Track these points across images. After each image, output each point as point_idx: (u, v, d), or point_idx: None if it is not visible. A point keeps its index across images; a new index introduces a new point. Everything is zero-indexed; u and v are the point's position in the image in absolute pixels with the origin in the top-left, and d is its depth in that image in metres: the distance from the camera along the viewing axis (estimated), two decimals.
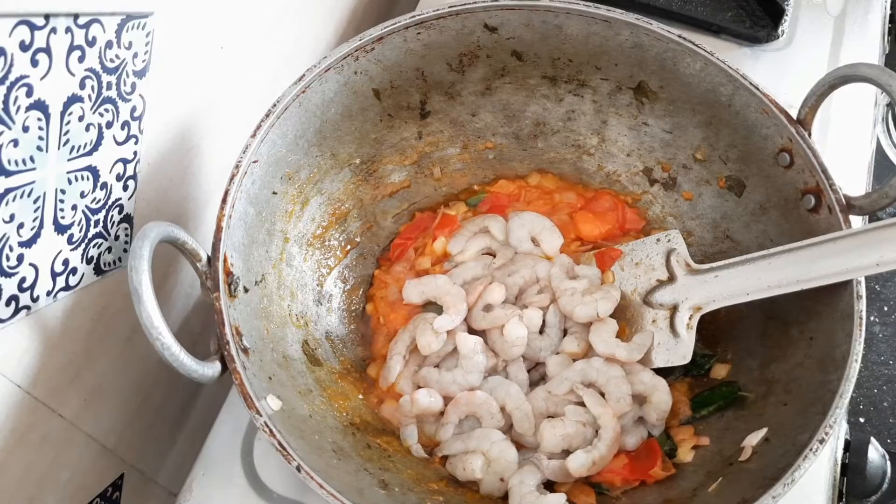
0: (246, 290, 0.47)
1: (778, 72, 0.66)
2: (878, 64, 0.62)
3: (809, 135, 0.49)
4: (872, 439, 0.54)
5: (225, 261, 0.45)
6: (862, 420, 1.01)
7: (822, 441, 0.41)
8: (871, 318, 1.09)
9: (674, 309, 0.50)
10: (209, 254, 0.45)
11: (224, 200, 0.45)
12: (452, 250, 0.57)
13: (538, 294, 0.54)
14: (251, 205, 0.49)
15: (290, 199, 0.53)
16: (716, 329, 0.54)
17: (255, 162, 0.48)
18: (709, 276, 0.50)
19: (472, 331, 0.53)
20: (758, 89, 0.50)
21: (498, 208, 0.59)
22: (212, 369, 0.42)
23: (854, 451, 0.53)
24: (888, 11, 0.74)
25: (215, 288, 0.44)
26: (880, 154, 0.98)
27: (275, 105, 0.49)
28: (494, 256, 0.56)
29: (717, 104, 0.53)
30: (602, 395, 0.50)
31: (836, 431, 0.53)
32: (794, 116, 0.50)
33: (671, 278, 0.51)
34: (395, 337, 0.53)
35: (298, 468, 0.41)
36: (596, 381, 0.50)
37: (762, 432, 0.45)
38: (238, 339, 0.44)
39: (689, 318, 0.50)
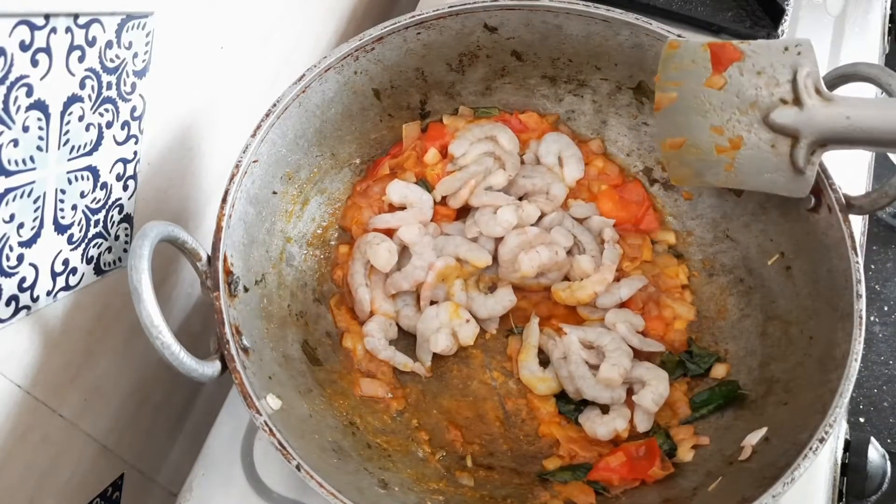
0: (246, 290, 0.47)
1: None
2: (878, 64, 0.62)
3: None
4: (872, 439, 0.54)
5: (225, 260, 0.45)
6: (862, 420, 1.01)
7: (821, 440, 0.41)
8: (871, 318, 1.09)
9: (795, 138, 0.42)
10: (209, 253, 0.45)
11: (224, 200, 0.46)
12: (455, 152, 0.55)
13: (545, 201, 0.55)
14: (251, 204, 0.49)
15: (290, 199, 0.53)
16: (716, 329, 0.54)
17: (255, 162, 0.48)
18: (843, 108, 0.41)
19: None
20: None
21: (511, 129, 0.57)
22: (211, 368, 0.42)
23: (854, 451, 0.53)
24: (888, 11, 0.74)
25: (215, 287, 0.44)
26: (880, 154, 0.98)
27: (275, 105, 0.49)
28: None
29: None
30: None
31: (836, 431, 0.52)
32: None
33: (797, 100, 0.41)
34: (348, 271, 0.54)
35: (298, 467, 0.41)
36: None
37: (762, 431, 0.45)
38: (238, 338, 0.44)
39: (813, 154, 0.42)
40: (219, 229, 0.45)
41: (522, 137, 0.57)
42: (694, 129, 0.46)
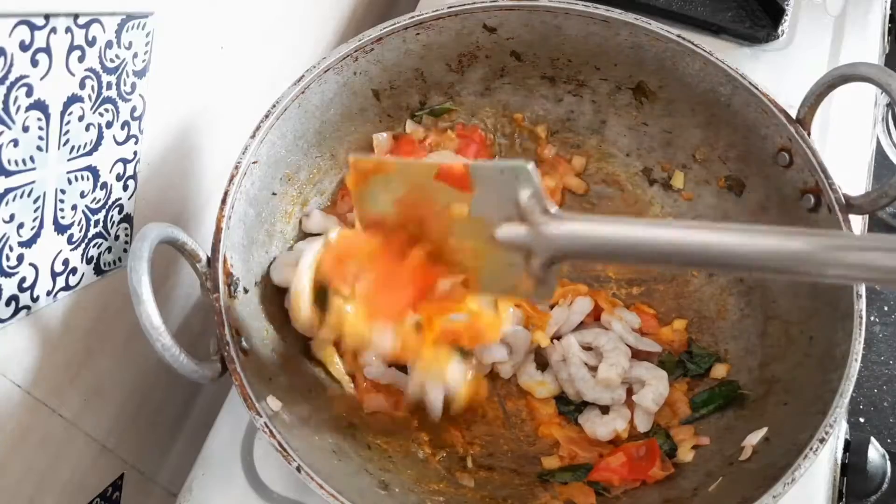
0: (246, 291, 0.47)
1: (778, 72, 0.66)
2: (878, 64, 0.62)
3: (809, 134, 0.49)
4: (872, 439, 0.54)
5: (225, 262, 0.45)
6: (862, 420, 1.01)
7: (822, 440, 0.41)
8: (871, 318, 1.09)
9: (528, 253, 0.40)
10: (209, 255, 0.45)
11: (223, 201, 0.46)
12: None
13: None
14: (251, 206, 0.49)
15: (289, 200, 0.53)
16: (716, 329, 0.54)
17: (254, 163, 0.48)
18: (572, 225, 0.39)
19: None
20: (757, 89, 0.50)
21: (465, 148, 0.57)
22: (211, 370, 0.42)
23: (854, 450, 0.53)
24: (888, 11, 0.74)
25: (215, 289, 0.44)
26: (880, 154, 0.98)
27: (274, 106, 0.49)
28: None
29: (716, 104, 0.53)
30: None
31: (836, 431, 0.52)
32: (794, 116, 0.50)
33: (524, 219, 0.40)
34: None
35: (299, 469, 0.41)
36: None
37: (762, 432, 0.45)
38: (238, 339, 0.44)
39: (550, 266, 0.40)
40: (218, 230, 0.45)
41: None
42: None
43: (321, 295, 0.47)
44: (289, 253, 0.52)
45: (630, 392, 0.51)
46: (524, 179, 0.40)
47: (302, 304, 0.47)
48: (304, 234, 0.54)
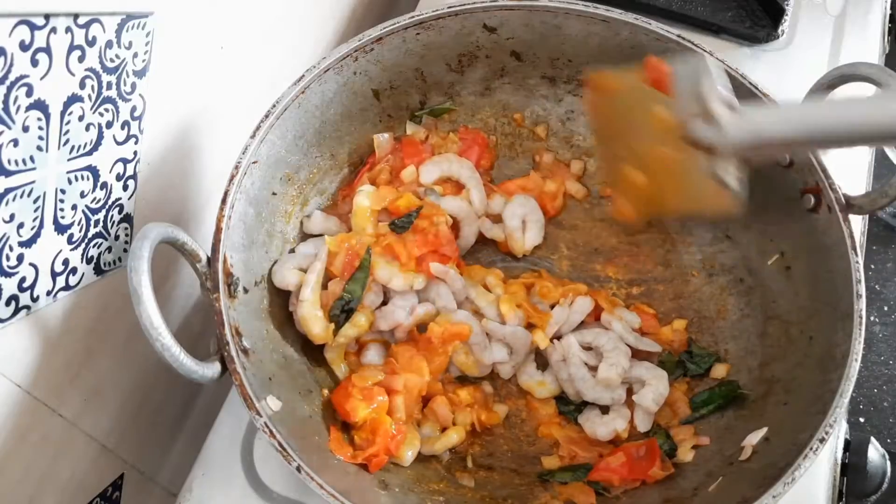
0: (246, 291, 0.47)
1: (778, 72, 0.66)
2: (878, 64, 0.62)
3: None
4: (872, 439, 0.54)
5: (225, 261, 0.45)
6: (862, 420, 1.01)
7: (822, 440, 0.41)
8: (871, 318, 1.09)
9: (713, 153, 0.41)
10: (209, 254, 0.45)
11: (223, 201, 0.46)
12: (425, 179, 0.55)
13: None
14: (251, 205, 0.49)
15: (289, 200, 0.53)
16: (716, 329, 0.54)
17: (254, 163, 0.48)
18: (754, 116, 0.40)
19: None
20: (757, 89, 0.50)
21: (467, 150, 0.57)
22: (211, 370, 0.42)
23: (854, 450, 0.53)
24: (888, 11, 0.74)
25: (215, 289, 0.44)
26: (880, 154, 0.98)
27: (274, 106, 0.49)
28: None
29: None
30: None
31: (836, 431, 0.52)
32: None
33: (707, 115, 0.40)
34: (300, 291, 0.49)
35: (299, 468, 0.41)
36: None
37: (762, 431, 0.45)
38: (238, 339, 0.44)
39: (735, 168, 0.41)
40: (218, 230, 0.45)
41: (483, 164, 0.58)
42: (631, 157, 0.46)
43: (335, 307, 0.49)
44: (290, 256, 0.52)
45: (630, 392, 0.51)
46: (704, 69, 0.41)
47: (314, 322, 0.49)
48: (305, 235, 0.54)
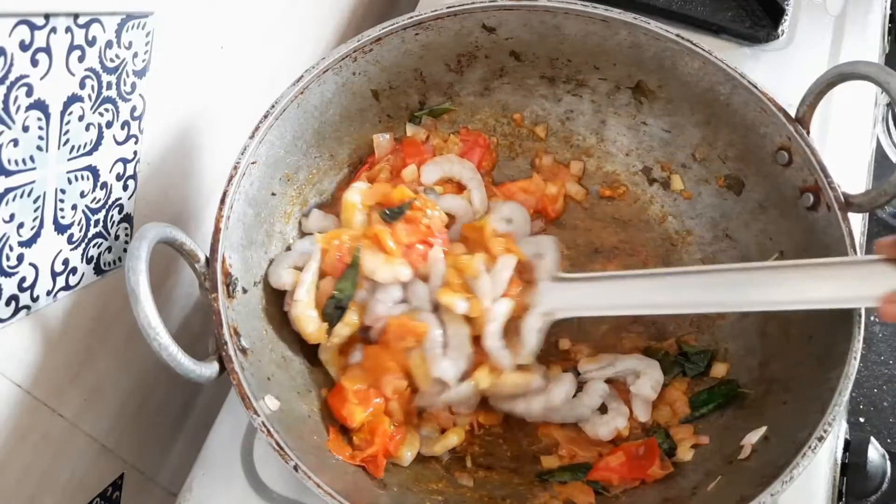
0: (245, 291, 0.47)
1: (778, 72, 0.66)
2: (878, 63, 0.62)
3: (808, 133, 0.49)
4: (872, 439, 0.54)
5: (223, 262, 0.45)
6: (862, 420, 1.01)
7: (820, 439, 0.41)
8: (871, 318, 1.08)
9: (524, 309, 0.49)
10: (207, 255, 0.45)
11: (222, 202, 0.46)
12: (426, 179, 0.55)
13: None
14: (250, 206, 0.49)
15: (288, 201, 0.53)
16: (716, 328, 0.54)
17: (253, 163, 0.48)
18: (571, 285, 0.49)
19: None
20: (756, 87, 0.50)
21: (469, 152, 0.57)
22: (209, 369, 0.42)
23: (854, 450, 0.53)
24: (888, 11, 0.74)
25: (213, 289, 0.44)
26: (880, 154, 0.98)
27: (273, 106, 0.49)
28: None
29: (715, 103, 0.53)
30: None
31: (836, 431, 0.52)
32: (793, 115, 0.50)
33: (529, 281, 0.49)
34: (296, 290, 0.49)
35: (296, 468, 0.41)
36: None
37: (762, 430, 0.45)
38: (236, 339, 0.44)
39: (541, 323, 0.49)
40: (217, 231, 0.45)
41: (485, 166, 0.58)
42: None
43: (328, 306, 0.48)
44: (285, 255, 0.52)
45: (622, 390, 0.51)
46: (550, 248, 0.50)
47: (307, 321, 0.48)
48: (304, 235, 0.54)
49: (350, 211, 0.52)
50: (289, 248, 0.52)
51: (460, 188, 0.57)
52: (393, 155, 0.57)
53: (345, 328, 0.49)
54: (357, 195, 0.52)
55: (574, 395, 0.51)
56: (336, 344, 0.50)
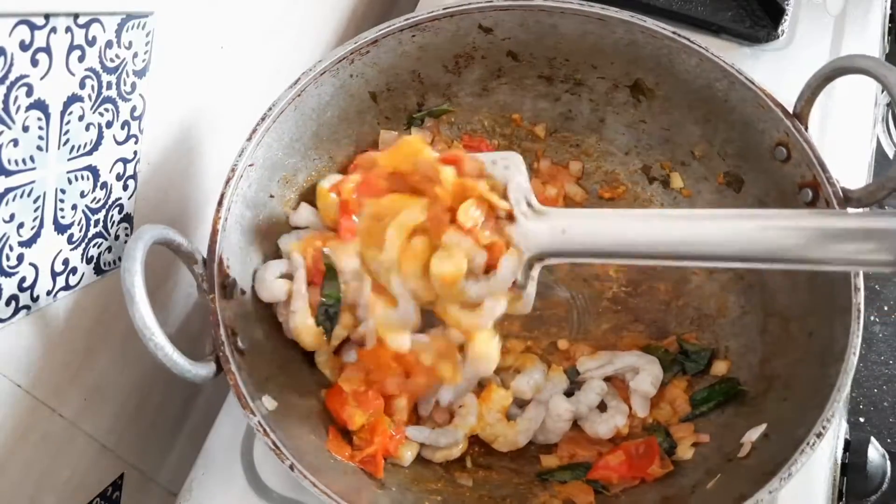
0: (243, 293, 0.48)
1: (778, 71, 0.66)
2: (875, 56, 0.62)
3: (806, 128, 0.49)
4: (872, 439, 0.54)
5: (221, 263, 0.45)
6: (862, 420, 1.00)
7: (819, 435, 0.40)
8: (871, 318, 1.08)
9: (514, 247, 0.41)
10: (205, 256, 0.45)
11: (219, 204, 0.46)
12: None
13: None
14: (247, 208, 0.49)
15: (287, 203, 0.54)
16: (716, 326, 0.54)
17: (250, 165, 0.48)
18: (557, 220, 0.40)
19: None
20: (753, 84, 0.50)
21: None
22: (206, 370, 0.42)
23: (854, 450, 0.52)
24: (888, 11, 0.73)
25: (210, 290, 0.44)
26: (880, 153, 0.97)
27: (270, 108, 0.49)
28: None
29: (713, 100, 0.53)
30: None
31: (837, 431, 0.52)
32: (791, 110, 0.50)
33: (510, 216, 0.40)
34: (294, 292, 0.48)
35: (292, 467, 0.41)
36: None
37: (761, 428, 0.45)
38: (233, 340, 0.44)
39: (531, 269, 0.41)
40: (214, 232, 0.45)
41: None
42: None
43: (319, 314, 0.48)
44: (268, 265, 0.50)
45: (621, 388, 0.51)
46: (515, 167, 0.40)
47: (307, 331, 0.48)
48: (291, 230, 0.54)
49: (324, 198, 0.50)
50: (264, 260, 0.50)
51: None
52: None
53: (342, 330, 0.49)
54: (327, 183, 0.51)
55: (572, 394, 0.51)
56: (333, 346, 0.50)
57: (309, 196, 0.55)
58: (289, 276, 0.49)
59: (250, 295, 0.48)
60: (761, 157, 0.52)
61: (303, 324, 0.48)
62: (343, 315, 0.49)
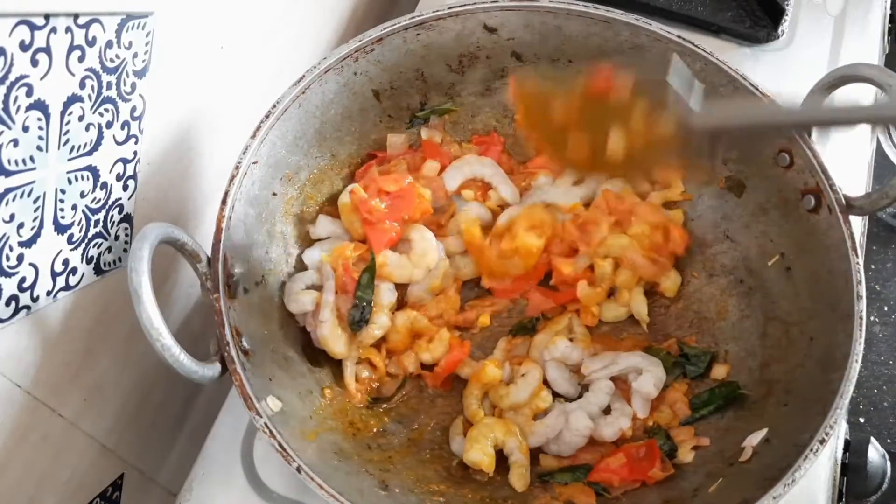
0: (246, 291, 0.47)
1: (778, 72, 0.66)
2: (878, 64, 0.62)
3: (809, 135, 0.49)
4: (872, 439, 0.54)
5: (225, 262, 0.45)
6: (862, 420, 1.01)
7: (822, 441, 0.41)
8: (871, 318, 1.09)
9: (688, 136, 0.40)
10: (209, 255, 0.45)
11: (223, 202, 0.46)
12: (450, 186, 0.56)
13: None
14: (251, 206, 0.49)
15: (290, 200, 0.53)
16: (716, 330, 0.54)
17: (254, 163, 0.48)
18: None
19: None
20: (757, 89, 0.50)
21: (486, 152, 0.58)
22: (212, 370, 0.42)
23: (854, 451, 0.53)
24: (888, 11, 0.74)
25: (215, 289, 0.44)
26: (880, 155, 0.98)
27: (274, 106, 0.49)
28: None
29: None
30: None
31: (837, 431, 0.52)
32: None
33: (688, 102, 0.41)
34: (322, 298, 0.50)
35: (299, 469, 0.41)
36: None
37: (763, 433, 0.45)
38: (238, 340, 0.44)
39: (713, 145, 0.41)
40: (218, 231, 0.45)
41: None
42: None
43: (351, 317, 0.50)
44: (298, 277, 0.52)
45: (623, 389, 0.51)
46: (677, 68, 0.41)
47: (335, 341, 0.50)
48: (307, 237, 0.54)
49: (346, 212, 0.52)
50: (294, 265, 0.52)
51: (487, 186, 0.57)
52: (412, 154, 0.57)
53: (378, 330, 0.50)
54: (345, 196, 0.53)
55: (580, 396, 0.51)
56: (366, 344, 0.51)
57: (308, 191, 0.54)
58: (315, 288, 0.51)
59: (253, 294, 0.48)
60: (764, 163, 0.52)
61: (332, 333, 0.49)
62: (379, 316, 0.50)
